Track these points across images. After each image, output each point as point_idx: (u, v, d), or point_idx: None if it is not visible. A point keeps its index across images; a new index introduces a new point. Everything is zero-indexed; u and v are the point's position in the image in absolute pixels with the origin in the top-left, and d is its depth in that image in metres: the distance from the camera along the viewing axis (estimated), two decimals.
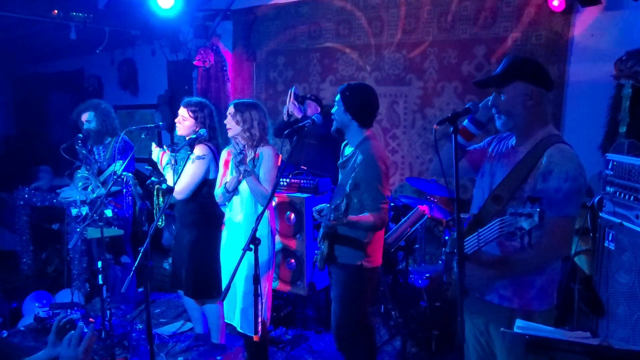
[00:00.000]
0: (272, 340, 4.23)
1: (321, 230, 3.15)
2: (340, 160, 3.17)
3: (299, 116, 4.79)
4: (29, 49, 7.54)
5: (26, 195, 5.45)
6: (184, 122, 3.72)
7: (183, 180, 3.62)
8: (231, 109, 3.43)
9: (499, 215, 2.13)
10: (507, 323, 1.98)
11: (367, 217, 2.91)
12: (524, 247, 1.80)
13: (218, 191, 3.57)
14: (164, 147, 3.86)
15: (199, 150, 3.67)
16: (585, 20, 4.39)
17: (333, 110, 3.08)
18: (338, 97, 3.04)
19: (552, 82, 2.20)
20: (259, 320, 2.76)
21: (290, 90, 4.89)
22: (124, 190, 4.69)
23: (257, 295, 2.62)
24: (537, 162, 2.08)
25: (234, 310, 3.51)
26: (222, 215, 3.76)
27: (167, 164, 3.72)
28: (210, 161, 3.71)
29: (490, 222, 2.12)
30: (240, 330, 3.50)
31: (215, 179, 3.69)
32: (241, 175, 3.34)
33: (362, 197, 2.95)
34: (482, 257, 2.17)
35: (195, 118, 3.73)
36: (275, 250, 3.97)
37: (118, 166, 4.01)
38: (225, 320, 3.64)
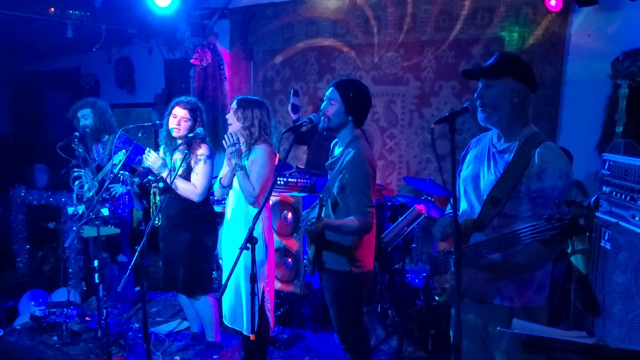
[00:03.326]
0: (269, 340, 4.23)
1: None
2: (330, 161, 3.05)
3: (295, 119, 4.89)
4: (25, 47, 7.52)
5: (22, 194, 5.44)
6: (185, 123, 3.68)
7: (201, 182, 3.63)
8: (234, 105, 3.39)
9: (497, 218, 2.16)
10: (508, 322, 1.98)
11: (351, 221, 2.81)
12: (565, 252, 1.80)
13: (215, 186, 3.58)
14: (163, 148, 3.83)
15: (205, 150, 3.67)
16: (582, 20, 4.40)
17: (328, 108, 2.90)
18: (336, 95, 2.88)
19: (537, 85, 2.24)
20: (256, 319, 2.76)
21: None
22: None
23: (253, 294, 2.61)
24: (529, 161, 2.11)
25: (236, 312, 3.49)
26: (215, 213, 3.77)
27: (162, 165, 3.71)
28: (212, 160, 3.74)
29: (489, 224, 2.16)
30: (228, 324, 3.51)
31: (214, 178, 3.70)
32: (232, 169, 3.32)
33: (347, 200, 2.85)
34: (483, 261, 2.17)
35: (195, 118, 3.71)
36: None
37: (122, 155, 3.97)
38: (231, 325, 3.59)
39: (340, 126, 2.92)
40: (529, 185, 2.11)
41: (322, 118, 2.92)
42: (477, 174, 2.32)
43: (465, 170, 2.43)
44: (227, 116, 3.43)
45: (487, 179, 2.26)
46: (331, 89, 2.93)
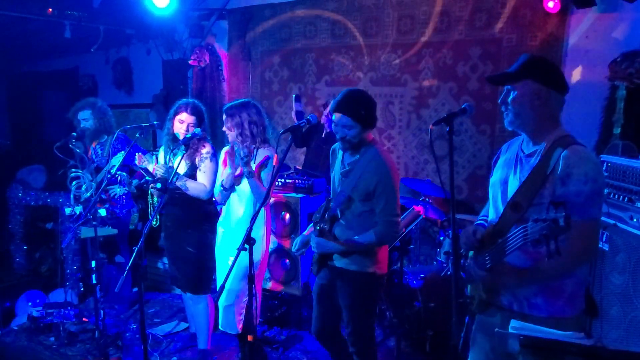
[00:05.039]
0: (267, 341, 4.23)
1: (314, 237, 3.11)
2: (345, 169, 3.00)
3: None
4: (23, 47, 7.50)
5: (20, 195, 5.43)
6: (192, 128, 3.71)
7: (209, 179, 3.69)
8: (224, 116, 3.49)
9: (519, 223, 2.07)
10: None
11: (369, 236, 2.86)
12: (550, 253, 1.75)
13: (216, 189, 3.61)
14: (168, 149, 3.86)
15: (209, 148, 3.74)
16: (580, 22, 4.40)
17: (347, 133, 2.85)
18: (350, 121, 2.81)
19: (566, 85, 2.14)
20: (254, 320, 2.76)
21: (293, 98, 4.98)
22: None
23: (251, 295, 2.62)
24: (554, 166, 2.03)
25: (227, 314, 3.52)
26: (217, 213, 3.79)
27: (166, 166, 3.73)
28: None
29: (510, 231, 2.09)
30: (221, 329, 3.53)
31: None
32: (237, 171, 3.38)
33: (376, 207, 2.86)
34: (508, 267, 2.13)
35: (200, 123, 3.77)
36: (270, 250, 3.98)
37: (120, 157, 3.97)
38: (222, 328, 3.64)
39: (361, 141, 2.92)
40: (554, 191, 2.03)
41: (343, 143, 2.92)
42: (505, 179, 2.27)
43: (495, 176, 2.37)
44: (223, 129, 3.51)
45: (513, 184, 2.20)
46: (342, 115, 2.85)
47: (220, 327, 3.58)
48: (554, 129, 2.14)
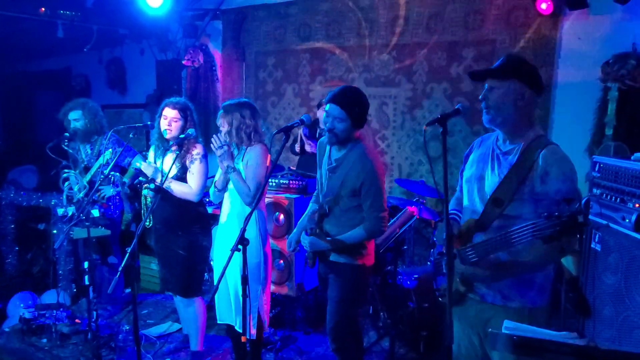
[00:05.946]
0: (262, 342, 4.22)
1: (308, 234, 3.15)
2: (332, 165, 3.04)
3: (313, 151, 4.78)
4: (15, 47, 7.46)
5: (11, 195, 5.39)
6: (176, 123, 3.66)
7: (197, 181, 3.62)
8: (220, 112, 3.45)
9: (500, 218, 2.19)
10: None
11: (357, 233, 2.94)
12: (563, 248, 1.81)
13: (210, 190, 3.59)
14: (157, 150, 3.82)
15: (200, 149, 3.68)
16: (572, 24, 4.42)
17: (335, 125, 2.88)
18: (343, 114, 2.84)
19: (543, 87, 2.25)
20: (248, 321, 2.75)
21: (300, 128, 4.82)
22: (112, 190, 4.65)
23: (245, 296, 2.61)
24: (533, 164, 2.12)
25: (231, 310, 3.49)
26: (209, 215, 3.77)
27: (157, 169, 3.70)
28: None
29: (492, 225, 2.19)
30: (238, 329, 3.50)
31: (210, 178, 3.70)
32: (225, 171, 3.34)
33: (363, 204, 2.92)
34: (484, 261, 2.19)
35: (185, 118, 3.70)
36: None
37: (108, 155, 3.95)
38: (219, 322, 3.60)
39: (348, 137, 2.95)
40: (533, 188, 2.13)
41: (330, 135, 2.93)
42: (481, 175, 2.34)
43: (469, 171, 2.44)
44: (218, 124, 3.48)
45: (491, 180, 2.27)
46: (336, 107, 2.87)
47: (237, 328, 3.53)
48: (531, 129, 2.23)
